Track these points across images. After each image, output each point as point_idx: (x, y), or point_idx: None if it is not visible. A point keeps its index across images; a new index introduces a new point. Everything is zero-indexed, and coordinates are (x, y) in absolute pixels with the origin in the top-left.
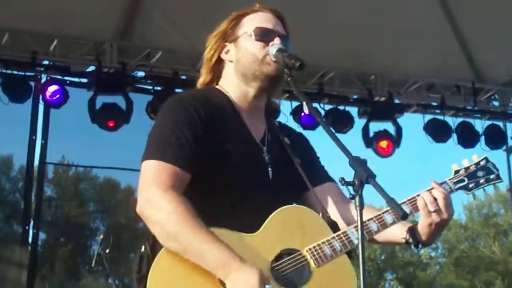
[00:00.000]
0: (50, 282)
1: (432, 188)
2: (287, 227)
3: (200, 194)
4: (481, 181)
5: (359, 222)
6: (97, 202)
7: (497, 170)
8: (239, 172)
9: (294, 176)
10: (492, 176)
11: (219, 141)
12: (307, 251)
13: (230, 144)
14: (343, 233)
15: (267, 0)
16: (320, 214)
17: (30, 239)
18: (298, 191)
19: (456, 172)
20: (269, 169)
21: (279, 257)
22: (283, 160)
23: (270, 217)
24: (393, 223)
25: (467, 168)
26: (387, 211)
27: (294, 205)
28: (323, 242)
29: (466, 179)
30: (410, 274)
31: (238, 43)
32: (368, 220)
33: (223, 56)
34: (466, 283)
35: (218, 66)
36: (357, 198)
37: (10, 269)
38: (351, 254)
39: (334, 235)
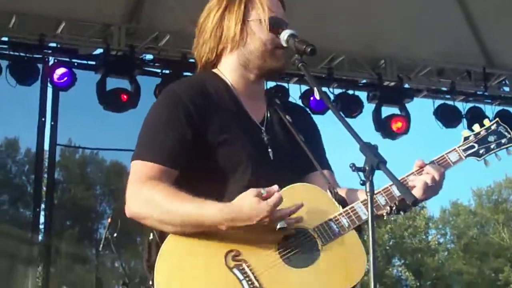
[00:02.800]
0: (56, 265)
1: (422, 166)
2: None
3: (203, 182)
4: (492, 146)
5: (369, 208)
6: (103, 185)
7: (510, 133)
8: (239, 156)
9: (297, 155)
10: (504, 140)
11: (216, 129)
12: (314, 229)
13: (227, 130)
14: (350, 208)
15: None
16: (328, 192)
17: (41, 222)
18: (302, 170)
19: (466, 138)
20: (269, 149)
21: (286, 237)
22: (286, 139)
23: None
24: (400, 195)
25: (477, 134)
26: (393, 184)
27: (302, 183)
28: (330, 220)
29: (476, 145)
30: (418, 260)
31: (249, 26)
32: (375, 194)
33: (226, 32)
34: (474, 269)
35: (220, 46)
36: (367, 184)
37: (21, 251)
38: (361, 229)
39: (342, 211)
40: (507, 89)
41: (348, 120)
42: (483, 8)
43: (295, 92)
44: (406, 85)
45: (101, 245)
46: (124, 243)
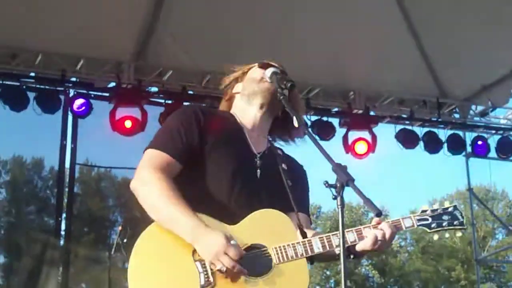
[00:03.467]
0: (75, 266)
1: (379, 223)
2: (261, 226)
3: (192, 183)
4: (444, 224)
5: (340, 220)
6: (115, 198)
7: (463, 217)
8: (229, 168)
9: (280, 192)
10: (456, 222)
11: (216, 142)
12: (272, 248)
13: (225, 146)
14: (308, 240)
15: (260, 29)
16: (297, 228)
17: (62, 229)
18: (280, 204)
19: (423, 211)
20: (258, 170)
21: (248, 248)
22: (275, 176)
23: (250, 215)
24: (354, 241)
25: (434, 210)
26: (350, 231)
27: (273, 210)
28: (288, 245)
29: (430, 219)
30: (383, 260)
31: (245, 76)
32: (331, 235)
33: (233, 90)
34: (431, 268)
35: (229, 99)
36: (338, 199)
37: (45, 254)
38: (312, 260)
39: (299, 241)
40: (457, 115)
41: (323, 143)
42: (436, 47)
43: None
44: (372, 113)
45: (113, 249)
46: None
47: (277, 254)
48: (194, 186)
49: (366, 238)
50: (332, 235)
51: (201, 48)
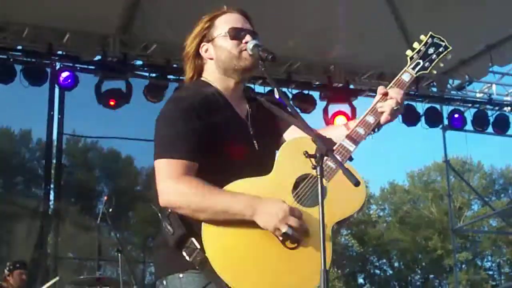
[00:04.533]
0: (63, 235)
1: (386, 93)
2: (293, 158)
3: (206, 168)
4: (433, 57)
5: (319, 191)
6: (102, 169)
7: (444, 41)
8: (233, 147)
9: (277, 131)
10: (441, 49)
11: (215, 125)
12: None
13: (224, 126)
14: (339, 145)
15: (245, 2)
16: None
17: (51, 200)
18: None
19: (411, 58)
20: (254, 141)
21: (296, 185)
22: (266, 124)
23: (277, 155)
24: (375, 121)
25: (418, 51)
26: (367, 114)
27: (293, 138)
28: (327, 159)
29: (421, 61)
30: (362, 230)
31: (215, 42)
32: (356, 126)
33: (202, 54)
34: (408, 238)
35: (199, 63)
36: (318, 168)
37: (34, 224)
38: (351, 157)
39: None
40: (434, 89)
41: (304, 115)
42: (415, 20)
43: (260, 91)
44: (352, 86)
45: (98, 219)
46: (119, 217)
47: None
48: (209, 170)
49: (385, 111)
50: (356, 126)
51: (185, 22)
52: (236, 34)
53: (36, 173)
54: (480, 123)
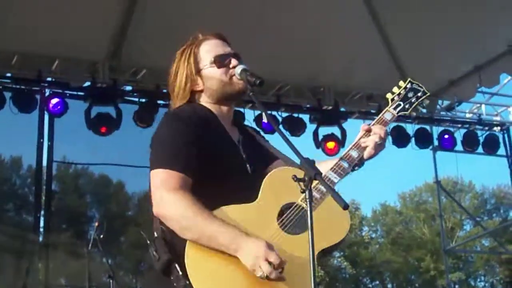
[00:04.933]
0: (53, 262)
1: (369, 130)
2: (278, 187)
3: (198, 188)
4: (413, 100)
5: (308, 213)
6: (93, 194)
7: (422, 87)
8: (227, 168)
9: (264, 158)
10: (420, 94)
11: (210, 146)
12: (301, 200)
13: (219, 147)
14: (324, 177)
15: (233, 27)
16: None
17: (41, 226)
18: (267, 167)
19: (392, 100)
20: (247, 165)
21: (281, 213)
22: (255, 151)
23: (262, 185)
24: (358, 156)
25: (399, 94)
26: (350, 149)
27: (278, 168)
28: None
29: (401, 103)
30: (354, 252)
31: (203, 74)
32: (339, 160)
33: (195, 88)
34: (401, 259)
35: (190, 96)
36: (307, 192)
37: (25, 251)
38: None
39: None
40: (424, 110)
41: (294, 138)
42: (403, 43)
43: (249, 115)
44: (342, 109)
45: (90, 245)
46: (110, 242)
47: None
48: (202, 191)
49: (368, 146)
50: (340, 159)
51: (174, 47)
52: (221, 61)
53: (27, 200)
54: (470, 143)
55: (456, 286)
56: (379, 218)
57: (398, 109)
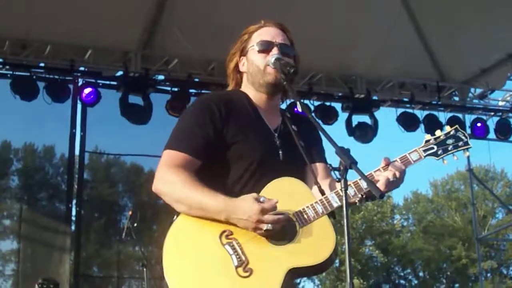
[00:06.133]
0: (86, 250)
1: (388, 164)
2: (279, 194)
3: (220, 173)
4: (450, 148)
5: (344, 201)
6: (124, 183)
7: (467, 137)
8: (251, 154)
9: (298, 156)
10: (460, 143)
11: (234, 131)
12: (293, 214)
13: (246, 132)
14: (324, 197)
15: (265, 16)
16: (315, 185)
17: (73, 215)
18: (301, 167)
19: (427, 141)
20: (280, 151)
21: None
22: (292, 144)
23: (265, 187)
24: (367, 188)
25: (437, 138)
26: (361, 179)
27: (287, 177)
28: (307, 206)
29: (435, 147)
30: (386, 240)
31: (248, 56)
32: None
33: (240, 68)
34: (432, 247)
35: (238, 76)
36: (342, 181)
37: (56, 239)
38: (334, 214)
39: (317, 199)
40: (456, 98)
41: (326, 127)
42: (436, 34)
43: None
44: (374, 97)
45: (123, 233)
46: (143, 231)
47: (299, 218)
48: (216, 179)
49: (379, 181)
50: (353, 183)
51: (205, 36)
52: (263, 47)
53: (60, 189)
54: (502, 131)
55: (488, 275)
56: (410, 206)
57: (429, 152)
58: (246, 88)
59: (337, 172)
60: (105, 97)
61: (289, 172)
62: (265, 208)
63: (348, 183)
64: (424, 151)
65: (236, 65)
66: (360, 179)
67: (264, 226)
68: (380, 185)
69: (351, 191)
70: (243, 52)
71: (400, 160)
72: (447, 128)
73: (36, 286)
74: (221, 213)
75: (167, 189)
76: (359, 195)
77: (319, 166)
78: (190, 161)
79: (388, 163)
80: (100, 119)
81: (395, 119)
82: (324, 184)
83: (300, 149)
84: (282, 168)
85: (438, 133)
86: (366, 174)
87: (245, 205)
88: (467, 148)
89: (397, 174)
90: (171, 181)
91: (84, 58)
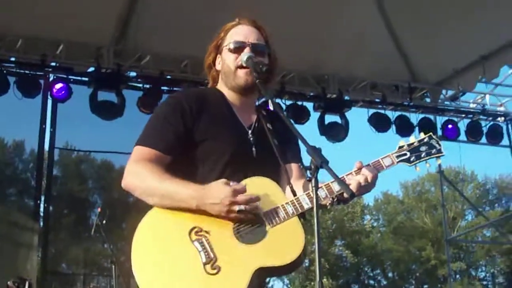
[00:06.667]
0: (55, 247)
1: (361, 168)
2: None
3: (193, 169)
4: (422, 154)
5: (314, 199)
6: (95, 180)
7: (440, 145)
8: (226, 149)
9: (272, 155)
10: (433, 151)
11: (209, 127)
12: (264, 214)
13: (218, 129)
14: (296, 199)
15: (239, 14)
16: (288, 185)
17: (41, 211)
18: (274, 166)
19: (400, 147)
20: (253, 148)
21: (240, 220)
22: (267, 141)
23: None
24: (339, 191)
25: (410, 144)
26: (333, 181)
27: (260, 177)
28: (278, 207)
29: (408, 153)
30: (356, 240)
31: (222, 55)
32: (320, 186)
33: (216, 66)
34: (402, 248)
35: (214, 74)
36: (313, 180)
37: (24, 236)
38: (305, 215)
39: (288, 200)
40: (428, 100)
41: (298, 126)
42: (408, 33)
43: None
44: (346, 97)
45: (92, 230)
46: (112, 228)
47: (269, 218)
48: (187, 175)
49: (350, 185)
50: (320, 187)
51: (178, 33)
52: (235, 47)
53: (29, 184)
54: (473, 133)
55: (457, 276)
56: (381, 207)
57: (401, 158)
58: (221, 86)
59: (308, 172)
60: (77, 93)
61: (262, 168)
62: (237, 189)
63: (320, 185)
64: (397, 157)
65: (213, 62)
66: (332, 182)
67: (237, 207)
68: (351, 189)
69: (322, 193)
70: (218, 50)
71: (372, 164)
72: (421, 135)
73: (13, 283)
74: (193, 200)
75: (137, 181)
76: (331, 198)
77: (293, 166)
78: (160, 156)
79: (360, 167)
80: (71, 115)
81: (367, 119)
82: (298, 184)
83: (274, 147)
84: (256, 164)
85: (412, 139)
86: (339, 176)
87: (217, 189)
88: (439, 156)
89: (369, 178)
90: (140, 173)
91: (56, 53)
